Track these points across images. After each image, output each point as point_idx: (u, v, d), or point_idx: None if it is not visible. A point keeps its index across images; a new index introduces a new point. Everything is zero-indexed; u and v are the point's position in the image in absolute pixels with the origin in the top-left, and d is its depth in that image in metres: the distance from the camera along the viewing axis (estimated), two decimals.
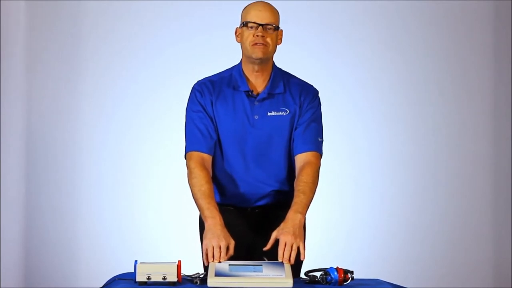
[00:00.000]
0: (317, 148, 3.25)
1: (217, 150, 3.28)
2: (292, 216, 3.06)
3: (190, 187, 3.20)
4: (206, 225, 3.07)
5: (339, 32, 5.44)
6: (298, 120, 3.26)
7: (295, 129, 3.25)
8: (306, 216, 3.14)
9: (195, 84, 3.34)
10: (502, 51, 5.48)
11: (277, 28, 3.21)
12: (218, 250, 2.96)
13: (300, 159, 3.23)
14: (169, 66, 5.36)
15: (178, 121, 5.28)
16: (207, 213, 3.10)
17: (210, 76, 3.36)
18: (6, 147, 5.02)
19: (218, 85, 3.30)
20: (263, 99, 3.25)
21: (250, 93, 3.26)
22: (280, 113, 3.25)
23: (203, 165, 3.21)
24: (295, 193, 3.14)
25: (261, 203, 3.31)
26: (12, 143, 5.15)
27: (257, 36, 3.17)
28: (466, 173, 5.50)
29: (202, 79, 3.35)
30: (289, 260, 2.95)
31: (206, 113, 3.26)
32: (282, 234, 3.00)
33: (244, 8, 3.28)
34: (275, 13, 3.23)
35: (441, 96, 5.49)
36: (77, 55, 5.35)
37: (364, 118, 5.44)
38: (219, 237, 2.99)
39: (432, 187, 5.48)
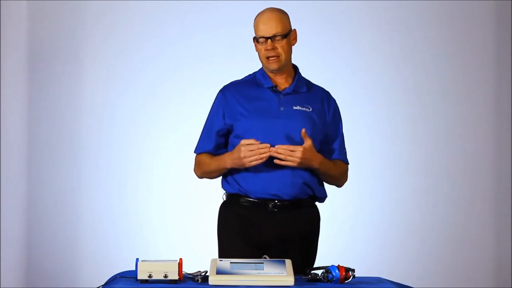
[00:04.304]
0: (348, 161, 3.52)
1: None
2: (320, 157, 3.30)
3: (204, 171, 3.42)
4: (229, 161, 3.29)
5: (341, 31, 5.44)
6: (328, 127, 3.42)
7: (333, 139, 3.44)
8: None
9: (221, 88, 3.45)
10: (504, 51, 5.49)
11: (286, 35, 3.31)
12: (251, 152, 3.19)
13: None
14: (170, 66, 5.36)
15: (179, 121, 5.32)
16: (220, 159, 3.33)
17: (235, 80, 3.48)
18: (7, 147, 5.02)
19: (243, 86, 3.42)
20: (288, 94, 3.38)
21: (274, 88, 3.38)
22: (304, 109, 3.37)
23: (202, 155, 3.43)
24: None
25: (285, 192, 3.31)
26: (13, 142, 5.15)
27: (268, 50, 3.30)
28: (467, 173, 5.50)
29: (228, 83, 3.47)
30: (280, 158, 3.21)
31: (223, 116, 3.39)
32: (306, 149, 3.21)
33: (254, 19, 3.36)
34: (281, 20, 3.31)
35: (443, 96, 5.49)
36: (78, 55, 5.36)
37: (366, 118, 5.44)
38: (239, 151, 3.22)
39: (433, 186, 5.48)
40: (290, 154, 3.21)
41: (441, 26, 5.49)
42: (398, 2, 5.45)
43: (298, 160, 3.22)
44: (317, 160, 3.29)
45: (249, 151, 3.21)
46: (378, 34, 5.47)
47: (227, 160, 3.31)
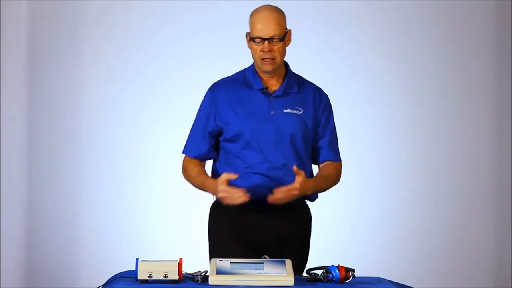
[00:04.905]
0: (340, 157, 3.44)
1: (231, 151, 3.31)
2: (312, 183, 3.26)
3: (188, 181, 3.38)
4: (211, 190, 3.27)
5: (341, 31, 5.44)
6: (319, 125, 3.35)
7: (321, 137, 3.36)
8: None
9: (210, 86, 3.39)
10: (504, 51, 5.48)
11: (283, 38, 3.23)
12: (227, 194, 3.15)
13: (327, 163, 3.41)
14: (170, 66, 5.36)
15: (179, 121, 5.30)
16: (204, 183, 3.30)
17: (225, 78, 3.41)
18: (7, 147, 5.02)
19: (233, 85, 3.35)
20: (279, 96, 3.31)
21: (264, 90, 3.31)
22: (295, 111, 3.31)
23: (192, 161, 3.39)
24: (318, 174, 3.36)
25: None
26: (13, 142, 5.15)
27: (264, 51, 3.23)
28: (467, 173, 5.50)
29: (217, 81, 3.40)
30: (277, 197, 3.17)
31: (214, 117, 3.33)
32: (301, 184, 3.15)
33: (251, 15, 3.28)
34: (279, 21, 3.23)
35: (443, 96, 5.49)
36: (78, 55, 5.36)
37: (366, 118, 5.44)
38: (218, 191, 3.17)
39: (433, 186, 5.48)
40: (288, 195, 3.18)
41: (441, 26, 5.49)
42: (398, 2, 5.44)
43: (295, 197, 3.20)
44: (309, 189, 3.26)
45: (226, 192, 3.16)
46: (378, 34, 5.46)
47: (209, 187, 3.28)
